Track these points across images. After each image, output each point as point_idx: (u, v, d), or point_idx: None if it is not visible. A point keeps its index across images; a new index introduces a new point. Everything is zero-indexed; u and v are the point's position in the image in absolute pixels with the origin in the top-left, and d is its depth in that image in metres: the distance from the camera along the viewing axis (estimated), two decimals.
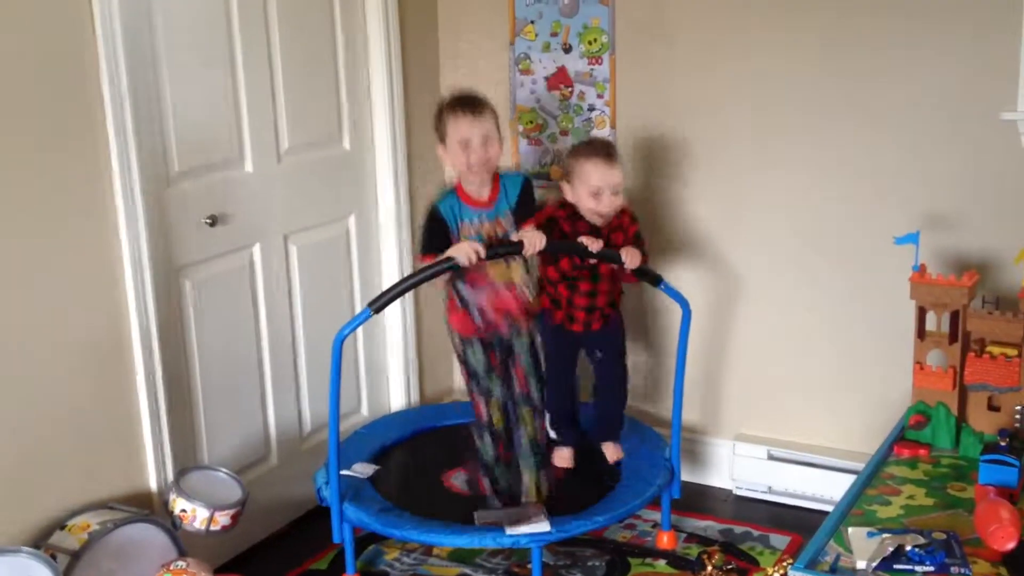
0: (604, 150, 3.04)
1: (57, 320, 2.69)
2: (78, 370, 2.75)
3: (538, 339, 3.15)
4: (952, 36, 3.08)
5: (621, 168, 3.03)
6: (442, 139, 3.00)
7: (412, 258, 3.72)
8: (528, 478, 3.14)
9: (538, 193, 3.13)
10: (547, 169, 3.74)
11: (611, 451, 3.25)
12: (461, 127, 2.92)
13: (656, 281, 3.10)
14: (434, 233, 2.98)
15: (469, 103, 2.96)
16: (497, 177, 3.03)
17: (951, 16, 3.07)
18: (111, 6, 2.68)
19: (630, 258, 2.99)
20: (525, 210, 3.04)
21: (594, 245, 2.96)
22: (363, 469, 3.23)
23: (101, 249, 2.77)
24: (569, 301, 3.12)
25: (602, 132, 3.63)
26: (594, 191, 2.99)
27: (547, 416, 3.23)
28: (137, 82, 2.79)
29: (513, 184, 3.03)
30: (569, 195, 3.06)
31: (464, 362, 3.15)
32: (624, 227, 3.10)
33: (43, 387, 2.68)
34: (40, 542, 2.61)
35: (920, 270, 2.94)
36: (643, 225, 3.22)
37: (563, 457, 3.21)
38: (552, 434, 3.23)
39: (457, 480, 3.29)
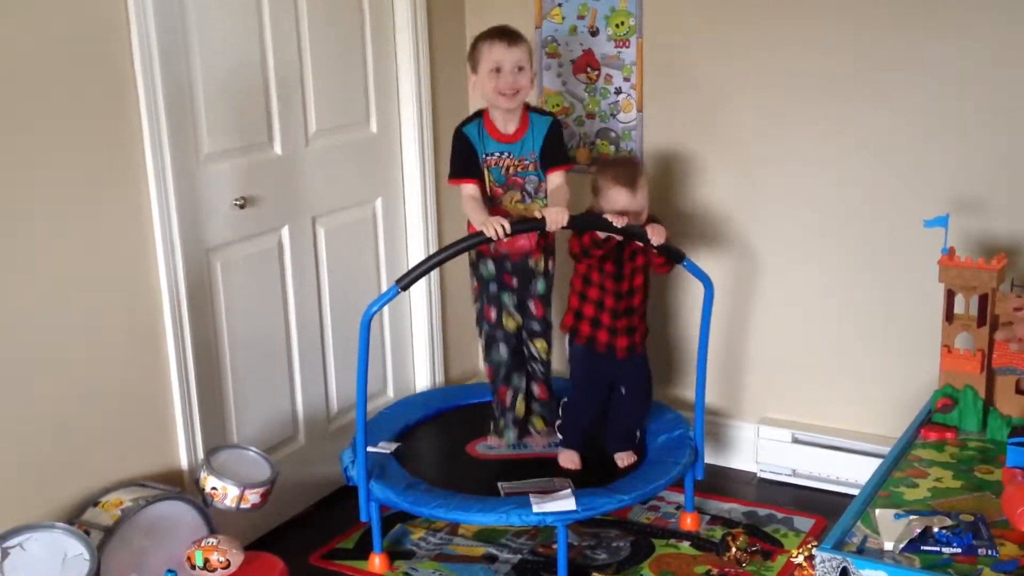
0: (631, 177, 3.07)
1: (90, 300, 2.72)
2: (110, 350, 2.79)
3: (554, 268, 3.21)
4: (980, 19, 3.06)
5: (646, 192, 3.11)
6: (474, 68, 3.05)
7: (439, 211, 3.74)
8: (534, 414, 3.27)
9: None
10: (573, 153, 3.74)
11: (623, 459, 3.24)
12: (495, 53, 3.00)
13: (679, 258, 3.11)
14: (462, 156, 3.03)
15: (505, 32, 3.05)
16: (526, 114, 3.06)
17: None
18: None
19: (655, 235, 3.02)
20: (551, 152, 3.08)
21: (618, 220, 2.98)
22: (385, 447, 3.27)
23: (133, 231, 2.80)
24: (599, 304, 3.14)
25: (628, 115, 3.63)
26: (620, 211, 3.07)
27: (557, 421, 3.30)
28: (168, 64, 2.81)
29: (541, 123, 3.08)
30: (596, 207, 3.14)
31: (476, 272, 3.23)
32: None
33: (76, 366, 2.71)
34: (74, 518, 2.64)
35: (949, 253, 2.93)
36: (667, 207, 3.20)
37: (570, 459, 3.21)
38: (558, 435, 3.28)
39: (482, 448, 3.33)
